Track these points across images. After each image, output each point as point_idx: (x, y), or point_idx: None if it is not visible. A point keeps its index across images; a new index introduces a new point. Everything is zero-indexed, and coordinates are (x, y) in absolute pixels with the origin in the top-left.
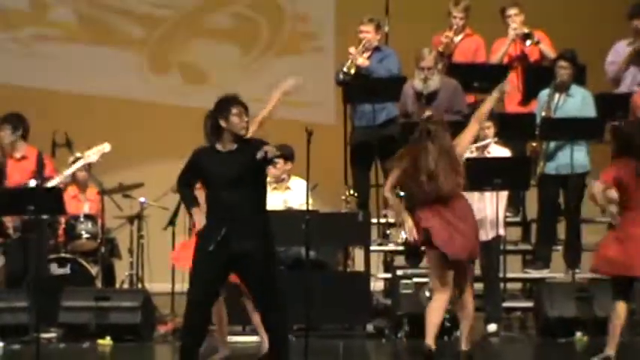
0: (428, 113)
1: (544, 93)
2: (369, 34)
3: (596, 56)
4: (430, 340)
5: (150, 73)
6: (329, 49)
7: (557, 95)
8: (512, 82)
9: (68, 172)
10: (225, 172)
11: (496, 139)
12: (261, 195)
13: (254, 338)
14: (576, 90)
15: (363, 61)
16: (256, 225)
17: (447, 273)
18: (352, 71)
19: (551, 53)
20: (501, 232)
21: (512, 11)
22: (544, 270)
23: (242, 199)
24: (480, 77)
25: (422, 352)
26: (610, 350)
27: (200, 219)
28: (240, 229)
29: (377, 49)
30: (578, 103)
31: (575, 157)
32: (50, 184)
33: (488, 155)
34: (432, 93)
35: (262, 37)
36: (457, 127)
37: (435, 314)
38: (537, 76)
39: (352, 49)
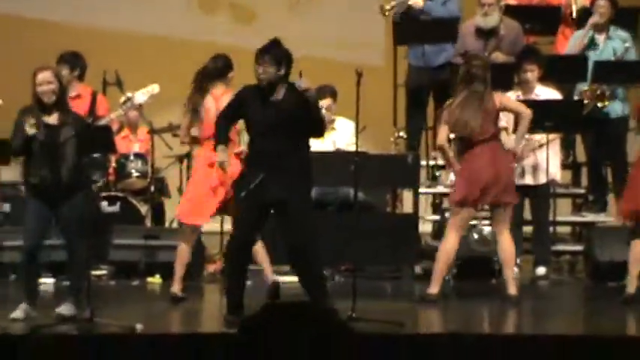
0: (497, 54)
1: (579, 33)
2: None
3: None
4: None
5: (199, 11)
6: None
7: (597, 37)
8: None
9: (117, 113)
10: (266, 117)
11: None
12: (302, 143)
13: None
14: (615, 33)
15: (415, 1)
16: (294, 172)
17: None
18: (400, 10)
19: None
20: (552, 176)
21: None
22: (601, 213)
23: (281, 146)
24: (532, 19)
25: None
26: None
27: (222, 156)
28: (278, 176)
29: None
30: (618, 46)
31: (614, 103)
32: (101, 122)
33: (537, 98)
34: (493, 29)
35: None
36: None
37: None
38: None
39: None
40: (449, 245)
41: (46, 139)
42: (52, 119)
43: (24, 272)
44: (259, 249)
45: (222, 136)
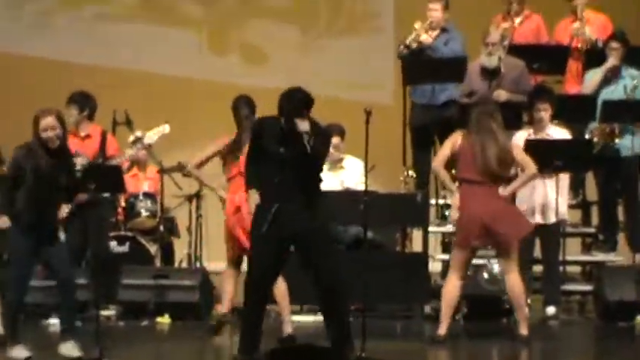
0: (499, 92)
1: (593, 72)
2: (436, 12)
3: None
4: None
5: (209, 52)
6: (389, 29)
7: (607, 76)
8: (572, 67)
9: (129, 153)
10: (280, 151)
11: (555, 122)
12: (313, 176)
13: (311, 318)
14: (626, 72)
15: (426, 37)
16: (308, 205)
17: (470, 256)
18: (414, 46)
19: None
20: (562, 216)
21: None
22: (611, 253)
23: (292, 180)
24: (539, 58)
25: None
26: None
27: (253, 200)
28: (291, 209)
29: (444, 30)
30: (629, 84)
31: (625, 139)
32: (113, 162)
33: (547, 137)
34: (497, 68)
35: (322, 17)
36: (522, 108)
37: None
38: (597, 59)
39: (417, 24)
40: (450, 286)
41: (44, 180)
42: (53, 162)
43: (13, 313)
44: (281, 288)
45: (252, 179)
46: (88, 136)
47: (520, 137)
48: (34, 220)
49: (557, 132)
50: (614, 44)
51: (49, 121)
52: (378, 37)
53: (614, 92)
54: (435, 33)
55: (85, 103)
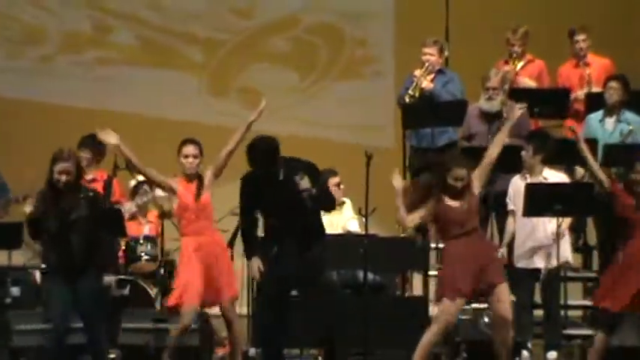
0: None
1: (592, 117)
2: (432, 56)
3: None
4: None
5: (209, 96)
6: (388, 73)
7: (607, 120)
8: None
9: (143, 199)
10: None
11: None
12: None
13: None
14: (628, 116)
15: (427, 84)
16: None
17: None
18: (417, 94)
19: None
20: (562, 260)
21: (580, 37)
22: None
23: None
24: (540, 102)
25: None
26: None
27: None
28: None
29: (440, 71)
30: (625, 129)
31: None
32: (123, 209)
33: (545, 181)
34: (497, 113)
35: (321, 62)
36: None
37: None
38: (599, 101)
39: (417, 72)
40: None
41: (59, 220)
42: (65, 202)
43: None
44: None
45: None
46: (94, 180)
47: (516, 181)
48: (61, 262)
49: (553, 175)
50: (614, 83)
51: (64, 166)
52: (377, 81)
53: (612, 136)
54: (432, 76)
55: (98, 147)
